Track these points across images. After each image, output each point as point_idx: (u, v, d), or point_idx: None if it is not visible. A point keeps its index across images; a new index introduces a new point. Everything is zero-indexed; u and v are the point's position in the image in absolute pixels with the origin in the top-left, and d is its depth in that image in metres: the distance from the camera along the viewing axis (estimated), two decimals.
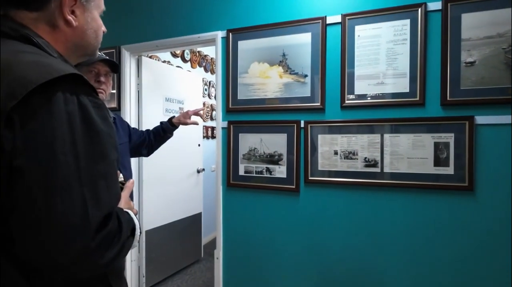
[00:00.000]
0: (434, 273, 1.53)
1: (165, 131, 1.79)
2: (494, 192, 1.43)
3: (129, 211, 0.71)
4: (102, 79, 1.32)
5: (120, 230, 0.60)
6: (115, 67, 1.37)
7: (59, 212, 0.50)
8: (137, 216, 0.74)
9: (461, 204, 1.48)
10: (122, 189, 0.78)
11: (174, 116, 1.83)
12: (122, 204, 0.72)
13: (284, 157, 1.80)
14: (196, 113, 1.86)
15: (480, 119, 1.44)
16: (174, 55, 3.09)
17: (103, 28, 0.75)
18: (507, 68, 1.40)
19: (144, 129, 2.32)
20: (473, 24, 1.44)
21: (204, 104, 3.49)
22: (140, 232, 0.73)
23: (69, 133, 0.53)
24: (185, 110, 2.82)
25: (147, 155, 1.85)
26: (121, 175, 1.28)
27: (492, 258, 1.44)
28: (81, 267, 0.54)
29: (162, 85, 2.58)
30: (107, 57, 1.34)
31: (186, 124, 1.82)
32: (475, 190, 1.46)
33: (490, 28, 1.42)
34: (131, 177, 1.52)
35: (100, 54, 1.32)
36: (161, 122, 1.83)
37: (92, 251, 0.53)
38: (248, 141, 1.89)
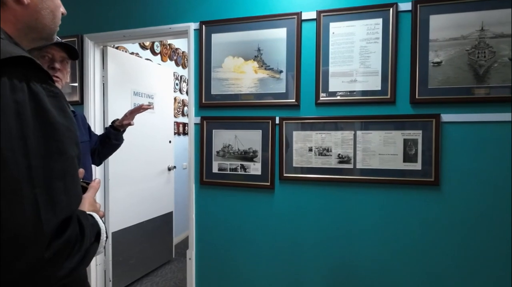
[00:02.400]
0: (404, 263, 1.58)
1: (109, 137, 1.54)
2: (458, 187, 1.51)
3: (94, 214, 0.63)
4: (57, 65, 1.16)
5: (82, 236, 0.53)
6: (73, 53, 1.20)
7: (5, 218, 0.43)
8: (103, 218, 0.67)
9: (428, 198, 1.55)
10: (86, 189, 0.70)
11: (117, 119, 1.59)
12: (86, 206, 0.65)
13: (259, 154, 1.78)
14: (139, 109, 1.56)
15: (445, 117, 1.51)
16: (143, 47, 2.94)
17: (62, 9, 0.66)
18: (470, 69, 1.47)
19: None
20: (440, 25, 1.50)
21: (175, 99, 3.37)
22: (107, 237, 0.66)
23: (18, 126, 0.45)
24: (154, 105, 2.71)
25: (98, 164, 1.62)
26: (98, 179, 1.18)
27: (455, 248, 1.52)
28: (34, 282, 0.47)
29: (130, 78, 2.44)
30: (62, 41, 1.18)
31: (123, 126, 1.56)
32: (440, 184, 1.53)
33: (455, 30, 1.48)
34: (91, 179, 1.41)
35: (56, 38, 1.19)
36: (105, 127, 1.61)
37: (46, 263, 0.46)
38: (222, 138, 1.84)
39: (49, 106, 0.50)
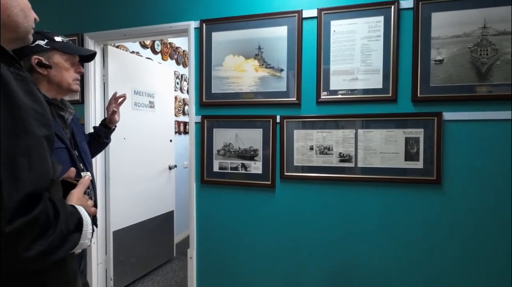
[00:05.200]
0: (405, 262, 1.58)
1: (99, 135, 1.53)
2: (460, 185, 1.50)
3: (78, 206, 0.64)
4: (83, 70, 1.23)
5: (56, 220, 0.53)
6: (88, 58, 1.28)
7: None
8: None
9: (429, 196, 1.54)
10: (75, 186, 0.73)
11: (105, 118, 1.57)
12: (73, 200, 0.67)
13: (260, 153, 1.77)
14: (116, 98, 1.55)
15: (447, 115, 1.50)
16: (144, 45, 2.93)
17: (35, 15, 0.67)
18: (472, 67, 1.46)
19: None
20: (442, 23, 1.49)
21: (176, 98, 3.36)
22: (93, 230, 0.67)
23: None
24: (155, 104, 2.71)
25: None
26: (88, 173, 1.20)
27: (457, 247, 1.51)
28: (1, 260, 0.47)
29: (131, 77, 2.44)
30: (91, 50, 1.26)
31: (111, 121, 1.54)
32: (442, 183, 1.52)
33: (457, 28, 1.47)
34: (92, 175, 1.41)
35: (67, 40, 1.21)
36: (94, 127, 1.61)
37: (8, 237, 0.46)
38: (222, 137, 1.83)
39: (15, 88, 0.51)
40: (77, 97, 2.11)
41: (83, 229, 0.61)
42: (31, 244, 0.49)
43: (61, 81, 1.14)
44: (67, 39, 1.21)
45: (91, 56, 1.27)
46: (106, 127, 1.54)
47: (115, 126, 1.58)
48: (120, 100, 1.56)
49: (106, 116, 1.57)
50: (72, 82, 1.17)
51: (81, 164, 1.20)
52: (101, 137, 1.52)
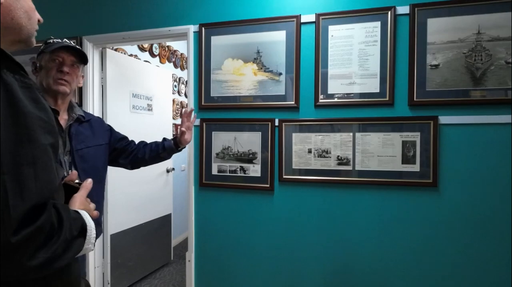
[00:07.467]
0: (402, 265, 1.59)
1: (164, 148, 1.47)
2: (456, 188, 1.52)
3: (81, 211, 0.64)
4: (66, 69, 1.15)
5: (60, 227, 0.53)
6: (82, 57, 1.21)
7: None
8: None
9: (426, 199, 1.56)
10: (78, 189, 0.72)
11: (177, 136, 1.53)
12: (76, 204, 0.67)
13: (259, 156, 1.78)
14: (187, 116, 1.51)
15: (443, 119, 1.53)
16: (142, 49, 2.94)
17: (39, 16, 0.67)
18: (467, 72, 1.49)
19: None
20: (438, 28, 1.52)
21: (173, 101, 3.37)
22: (97, 235, 0.66)
23: None
24: (153, 107, 2.71)
25: (131, 168, 1.51)
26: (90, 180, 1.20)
27: (454, 250, 1.53)
28: (4, 267, 0.47)
29: (129, 80, 2.44)
30: (73, 44, 1.18)
31: (181, 141, 1.48)
32: (438, 186, 1.54)
33: (452, 33, 1.50)
34: (104, 180, 1.38)
35: (65, 40, 1.20)
36: (164, 138, 1.52)
37: (14, 248, 0.46)
38: (221, 140, 1.84)
39: (21, 96, 0.51)
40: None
41: (87, 234, 0.61)
42: (36, 253, 0.49)
43: (43, 82, 1.13)
44: (62, 40, 1.18)
45: (82, 58, 1.21)
46: (176, 145, 1.49)
47: (184, 147, 1.53)
48: (192, 116, 1.50)
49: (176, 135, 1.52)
50: (53, 82, 1.13)
51: (70, 170, 1.16)
52: (166, 150, 1.47)
